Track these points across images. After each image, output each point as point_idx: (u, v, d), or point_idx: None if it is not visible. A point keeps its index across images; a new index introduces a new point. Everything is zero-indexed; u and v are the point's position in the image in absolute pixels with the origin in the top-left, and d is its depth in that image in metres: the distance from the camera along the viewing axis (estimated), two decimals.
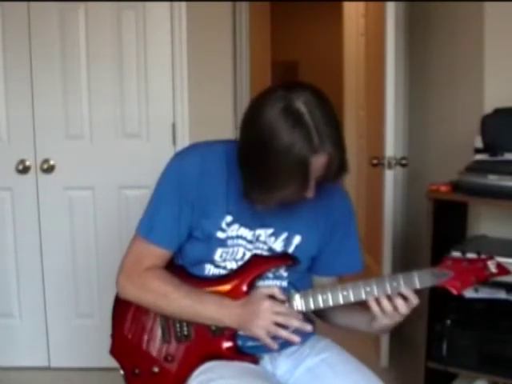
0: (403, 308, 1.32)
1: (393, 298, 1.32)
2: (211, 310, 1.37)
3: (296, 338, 1.34)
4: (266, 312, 1.32)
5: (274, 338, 1.35)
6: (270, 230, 1.42)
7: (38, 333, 2.89)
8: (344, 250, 1.51)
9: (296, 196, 1.28)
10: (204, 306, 1.38)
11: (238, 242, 1.41)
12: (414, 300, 1.32)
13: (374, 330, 1.41)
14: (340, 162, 1.24)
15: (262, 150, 1.23)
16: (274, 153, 1.21)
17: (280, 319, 1.33)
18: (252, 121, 1.27)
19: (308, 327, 1.34)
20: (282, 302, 1.36)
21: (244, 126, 1.30)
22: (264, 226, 1.42)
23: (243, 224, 1.40)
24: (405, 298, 1.32)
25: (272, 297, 1.35)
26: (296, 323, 1.33)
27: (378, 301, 1.32)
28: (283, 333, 1.33)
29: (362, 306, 1.43)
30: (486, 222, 2.29)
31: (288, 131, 1.20)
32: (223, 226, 1.39)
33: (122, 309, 1.49)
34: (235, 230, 1.40)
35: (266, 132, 1.22)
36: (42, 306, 2.87)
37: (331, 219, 1.47)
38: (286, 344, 1.45)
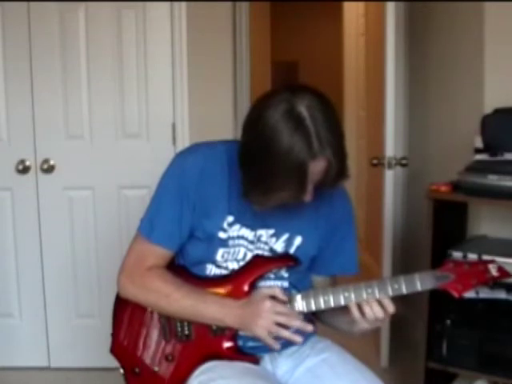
0: (380, 314, 1.31)
1: (371, 305, 1.31)
2: (213, 309, 1.37)
3: (298, 338, 1.34)
4: (267, 312, 1.32)
5: (275, 338, 1.35)
6: (272, 231, 1.42)
7: (38, 333, 2.89)
8: (343, 251, 1.51)
9: (293, 199, 1.28)
10: (205, 305, 1.38)
11: (239, 242, 1.41)
12: (390, 309, 1.31)
13: (354, 332, 1.41)
14: (339, 169, 1.24)
15: (262, 150, 1.23)
16: (273, 154, 1.21)
17: (281, 319, 1.32)
18: (254, 121, 1.27)
19: (309, 327, 1.35)
20: (284, 302, 1.36)
21: (246, 125, 1.30)
22: (265, 226, 1.41)
23: (244, 224, 1.40)
24: (381, 305, 1.31)
25: (273, 297, 1.35)
26: (297, 323, 1.33)
27: (359, 306, 1.32)
28: (285, 333, 1.33)
29: (345, 307, 1.43)
30: (486, 222, 2.29)
31: (288, 134, 1.20)
32: (225, 226, 1.39)
33: (123, 308, 1.48)
34: (236, 230, 1.40)
35: (267, 133, 1.21)
36: (42, 306, 2.87)
37: (332, 220, 1.47)
38: (286, 344, 1.45)
